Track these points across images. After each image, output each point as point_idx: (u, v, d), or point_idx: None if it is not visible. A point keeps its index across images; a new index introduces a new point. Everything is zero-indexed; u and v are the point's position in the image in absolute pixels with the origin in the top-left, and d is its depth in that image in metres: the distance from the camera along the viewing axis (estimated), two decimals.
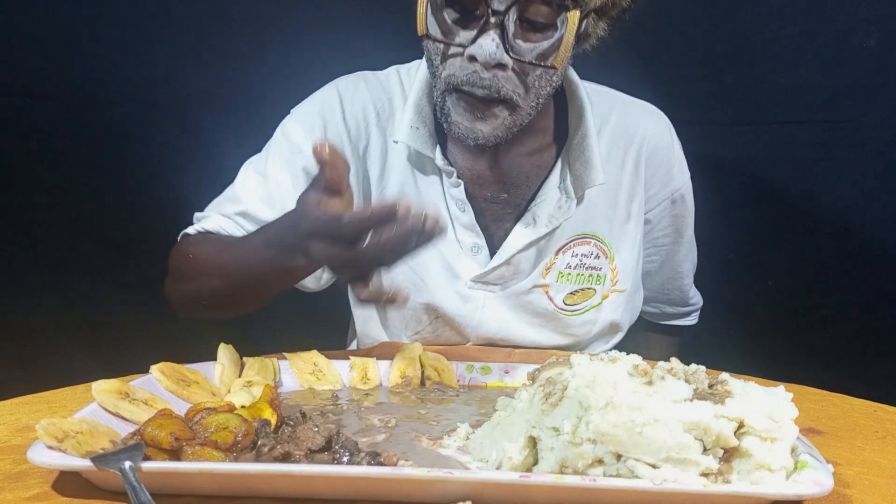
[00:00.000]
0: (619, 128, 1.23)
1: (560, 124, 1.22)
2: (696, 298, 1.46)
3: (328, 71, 1.32)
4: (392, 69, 1.27)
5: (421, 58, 1.19)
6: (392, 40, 1.38)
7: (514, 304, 1.21)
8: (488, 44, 1.00)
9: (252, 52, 1.74)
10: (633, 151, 1.23)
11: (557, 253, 1.20)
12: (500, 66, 1.02)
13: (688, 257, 1.37)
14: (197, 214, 1.22)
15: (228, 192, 1.22)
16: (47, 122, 1.75)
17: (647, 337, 1.49)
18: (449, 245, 1.19)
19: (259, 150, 1.25)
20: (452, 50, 1.04)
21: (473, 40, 1.01)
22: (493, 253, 1.19)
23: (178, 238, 1.21)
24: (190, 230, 1.20)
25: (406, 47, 1.28)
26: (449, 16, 1.04)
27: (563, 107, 1.22)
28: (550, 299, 1.22)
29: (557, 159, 1.20)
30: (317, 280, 1.21)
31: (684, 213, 1.31)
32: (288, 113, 1.25)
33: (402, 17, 1.31)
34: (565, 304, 1.22)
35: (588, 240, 1.21)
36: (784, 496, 0.64)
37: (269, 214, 1.14)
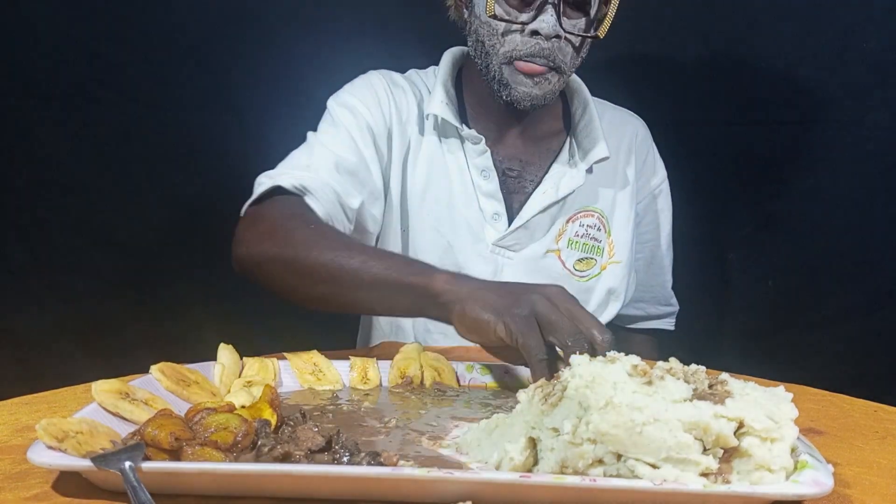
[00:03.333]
0: (612, 125, 1.41)
1: (565, 113, 1.40)
2: (675, 301, 1.54)
3: (332, 73, 1.33)
4: (412, 71, 1.41)
5: (434, 64, 1.39)
6: (399, 44, 1.42)
7: (531, 269, 1.33)
8: (548, 19, 1.20)
9: (253, 53, 1.74)
10: (625, 144, 1.42)
11: (568, 221, 1.35)
12: (557, 37, 1.21)
13: (668, 253, 1.50)
14: (268, 173, 1.19)
15: (302, 151, 1.24)
16: (47, 122, 1.75)
17: (628, 338, 1.54)
18: (473, 211, 1.33)
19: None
20: (513, 28, 1.22)
21: (534, 18, 1.21)
22: (510, 221, 1.33)
23: (262, 192, 1.16)
24: (285, 183, 1.15)
25: (409, 51, 1.31)
26: (511, 0, 1.23)
27: (566, 101, 1.41)
28: (563, 263, 1.35)
29: (566, 141, 1.37)
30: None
31: (665, 208, 1.48)
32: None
33: (409, 20, 1.35)
34: (575, 268, 1.36)
35: (592, 212, 1.37)
36: (784, 496, 0.64)
37: (356, 164, 1.24)
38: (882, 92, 1.69)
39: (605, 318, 1.39)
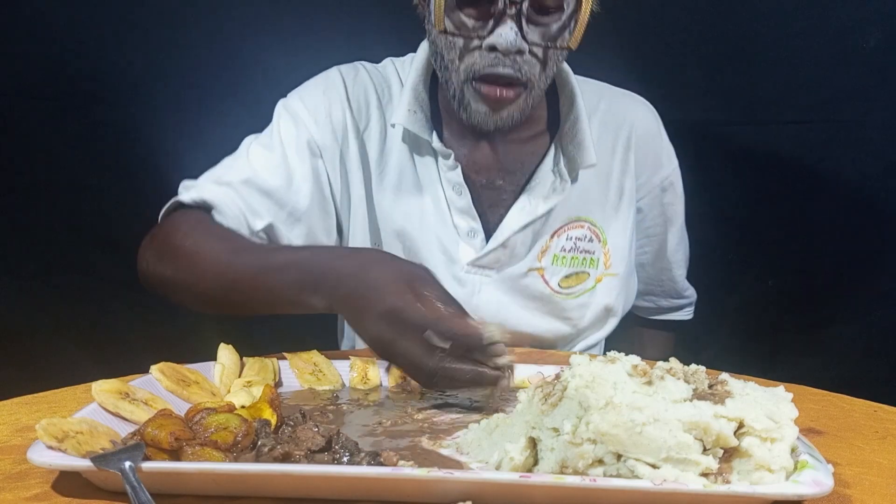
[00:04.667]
0: (608, 115, 1.27)
1: (552, 112, 1.25)
2: (690, 291, 1.47)
3: (324, 65, 1.32)
4: (387, 60, 1.30)
5: (413, 52, 1.25)
6: (386, 36, 1.39)
7: (510, 288, 1.23)
8: (507, 32, 1.05)
9: (253, 52, 1.74)
10: (622, 137, 1.26)
11: (552, 236, 1.23)
12: (519, 52, 1.07)
13: (680, 246, 1.39)
14: (186, 183, 1.18)
15: (228, 161, 1.20)
16: (47, 122, 1.75)
17: (642, 333, 1.49)
18: (445, 229, 1.21)
19: None
20: (472, 43, 1.08)
21: (492, 31, 1.06)
22: (488, 237, 1.21)
23: (167, 206, 1.16)
24: (184, 198, 1.14)
25: (399, 42, 1.30)
26: (464, 10, 1.08)
27: (554, 96, 1.25)
28: (546, 282, 1.24)
29: (551, 145, 1.23)
30: None
31: (674, 201, 1.34)
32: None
33: (394, 12, 1.32)
34: (560, 287, 1.24)
35: (582, 223, 1.24)
36: (784, 496, 0.64)
37: (274, 183, 1.16)
38: (882, 92, 1.69)
39: (601, 334, 1.31)
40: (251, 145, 1.21)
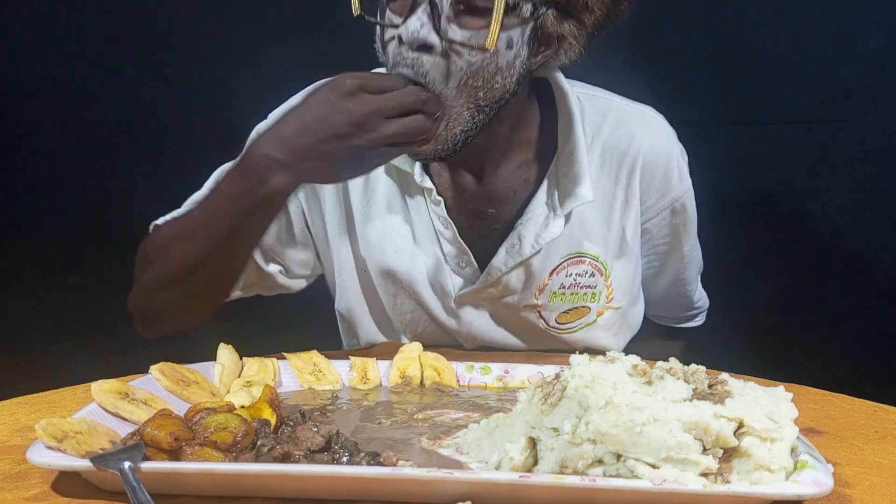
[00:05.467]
0: (613, 139, 1.16)
1: (550, 136, 1.16)
2: (702, 301, 1.43)
3: (329, 72, 1.32)
4: (377, 72, 1.25)
5: None
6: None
7: (505, 321, 1.20)
8: (413, 22, 0.94)
9: (253, 52, 1.74)
10: (626, 164, 1.17)
11: (551, 274, 1.16)
12: (426, 47, 0.95)
13: (691, 263, 1.32)
14: (155, 223, 1.17)
15: (197, 196, 1.17)
16: (47, 122, 1.75)
17: (652, 343, 1.46)
18: (436, 259, 1.16)
19: None
20: (388, 34, 0.99)
21: (404, 21, 0.95)
22: (481, 266, 1.15)
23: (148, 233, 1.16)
24: (160, 220, 1.14)
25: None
26: None
27: (553, 118, 1.16)
28: (543, 318, 1.19)
29: (546, 173, 1.15)
30: (301, 279, 1.23)
31: (685, 222, 1.25)
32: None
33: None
34: (558, 322, 1.19)
35: (582, 258, 1.17)
36: (784, 496, 0.64)
37: None
38: (882, 92, 1.69)
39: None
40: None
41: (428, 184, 1.13)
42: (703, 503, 0.65)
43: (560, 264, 1.16)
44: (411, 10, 0.95)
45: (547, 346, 1.22)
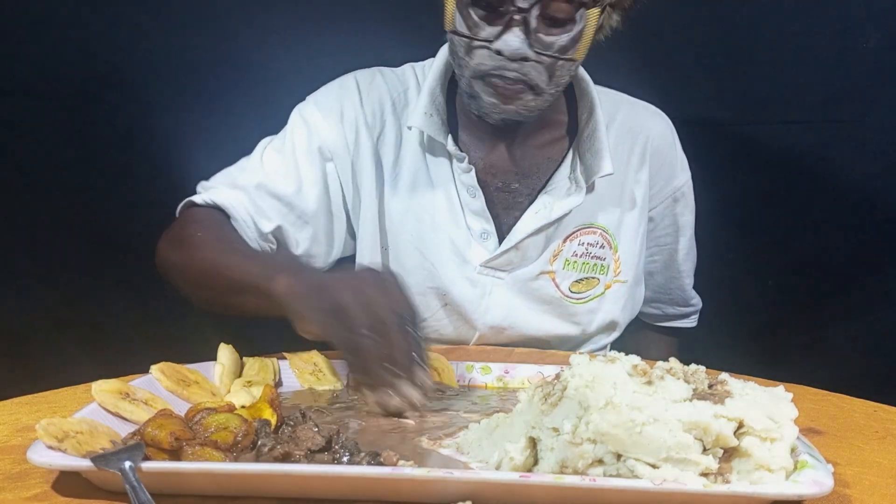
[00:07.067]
0: (625, 125, 1.29)
1: (571, 119, 1.28)
2: (697, 300, 1.49)
3: (333, 68, 1.32)
4: (407, 66, 1.32)
5: (433, 56, 1.27)
6: (405, 37, 1.39)
7: (521, 291, 1.25)
8: (513, 39, 1.07)
9: (253, 51, 1.74)
10: (638, 148, 1.29)
11: (565, 241, 1.24)
12: (524, 59, 1.09)
13: (689, 256, 1.41)
14: (203, 183, 1.23)
15: (243, 163, 1.24)
16: (47, 122, 1.75)
17: (647, 337, 1.51)
18: (459, 230, 1.23)
19: None
20: (477, 44, 1.10)
21: (499, 36, 1.08)
22: (501, 240, 1.23)
23: (182, 205, 1.21)
24: (197, 199, 1.20)
25: (418, 45, 1.30)
26: (475, 12, 1.10)
27: (573, 103, 1.28)
28: (557, 286, 1.25)
29: (569, 151, 1.25)
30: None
31: (685, 212, 1.36)
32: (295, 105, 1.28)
33: (416, 13, 1.32)
34: (571, 291, 1.26)
35: (594, 229, 1.26)
36: (784, 496, 0.64)
37: (284, 188, 1.20)
38: (882, 92, 1.69)
39: (607, 340, 1.33)
40: (265, 149, 1.24)
41: (460, 153, 1.21)
42: (703, 503, 0.65)
43: (573, 232, 1.25)
44: (507, 27, 1.08)
45: (559, 318, 1.27)
